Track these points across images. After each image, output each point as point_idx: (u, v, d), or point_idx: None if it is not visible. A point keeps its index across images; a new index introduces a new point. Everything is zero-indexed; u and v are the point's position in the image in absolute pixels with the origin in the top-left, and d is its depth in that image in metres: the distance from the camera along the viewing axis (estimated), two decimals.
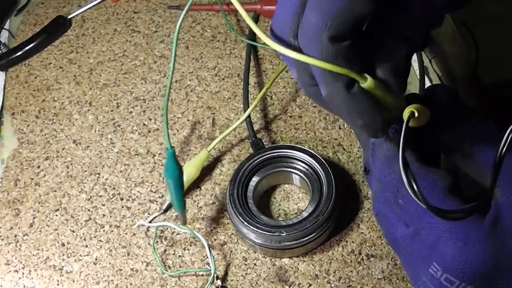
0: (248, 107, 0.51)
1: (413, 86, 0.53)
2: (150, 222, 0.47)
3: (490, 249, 0.32)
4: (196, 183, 0.49)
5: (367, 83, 0.30)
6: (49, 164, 0.52)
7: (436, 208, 0.30)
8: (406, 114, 0.32)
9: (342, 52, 0.28)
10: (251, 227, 0.43)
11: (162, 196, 0.49)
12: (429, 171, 0.35)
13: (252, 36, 0.59)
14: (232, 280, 0.44)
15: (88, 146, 0.53)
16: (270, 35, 0.31)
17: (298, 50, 0.30)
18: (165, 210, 0.47)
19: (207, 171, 0.50)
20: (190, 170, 0.48)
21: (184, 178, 0.46)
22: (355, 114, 0.31)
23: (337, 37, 0.28)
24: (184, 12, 0.32)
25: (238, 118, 0.53)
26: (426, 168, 0.35)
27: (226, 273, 0.44)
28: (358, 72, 0.29)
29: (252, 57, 0.57)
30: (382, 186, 0.38)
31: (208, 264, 0.43)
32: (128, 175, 0.51)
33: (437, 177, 0.35)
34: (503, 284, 0.33)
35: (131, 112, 0.55)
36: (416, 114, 0.32)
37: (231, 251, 0.45)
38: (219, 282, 0.43)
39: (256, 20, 0.61)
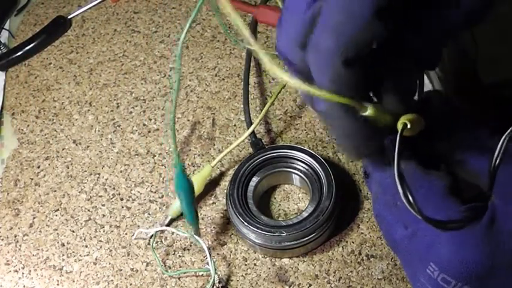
0: (248, 107, 0.51)
1: None
2: (149, 228, 0.47)
3: (485, 249, 0.32)
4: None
5: (368, 112, 0.30)
6: (49, 164, 0.52)
7: (432, 219, 0.30)
8: (399, 126, 0.32)
9: (353, 76, 0.28)
10: (251, 227, 0.43)
11: (162, 196, 0.49)
12: (428, 173, 0.35)
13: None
14: (232, 280, 0.44)
15: (88, 146, 0.53)
16: (277, 44, 0.31)
17: (306, 64, 0.30)
18: (167, 225, 0.47)
19: None
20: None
21: None
22: (347, 136, 0.32)
23: (350, 61, 0.27)
24: (191, 18, 0.32)
25: (239, 118, 0.53)
26: (425, 170, 0.36)
27: (226, 274, 0.44)
28: (360, 102, 0.29)
29: (252, 57, 0.57)
30: (382, 189, 0.38)
31: (208, 264, 0.43)
32: (128, 175, 0.51)
33: (436, 178, 0.35)
34: (499, 284, 0.33)
35: (131, 112, 0.55)
36: (408, 126, 0.32)
37: (231, 251, 0.45)
38: (219, 283, 0.43)
39: (255, 24, 0.61)
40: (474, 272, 0.32)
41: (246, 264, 0.44)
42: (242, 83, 0.55)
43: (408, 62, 0.30)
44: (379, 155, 0.37)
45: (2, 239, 0.48)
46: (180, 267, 0.45)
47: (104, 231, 0.47)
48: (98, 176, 0.51)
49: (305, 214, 0.43)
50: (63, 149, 0.53)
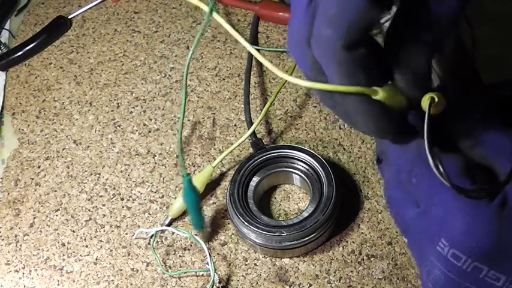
0: (249, 107, 0.51)
1: None
2: (149, 228, 0.47)
3: (496, 228, 0.33)
4: None
5: (379, 95, 0.31)
6: (49, 164, 0.52)
7: (458, 187, 0.31)
8: (426, 101, 0.33)
9: (358, 59, 0.29)
10: (251, 227, 0.43)
11: (163, 196, 0.49)
12: (442, 153, 0.36)
13: (253, 39, 0.59)
14: (232, 280, 0.44)
15: (88, 146, 0.53)
16: (288, 43, 0.32)
17: (315, 61, 0.31)
18: (168, 225, 0.47)
19: None
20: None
21: None
22: (367, 121, 0.32)
23: (351, 45, 0.29)
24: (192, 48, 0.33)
25: (239, 118, 0.53)
26: (440, 151, 0.36)
27: (226, 274, 0.44)
28: (369, 88, 0.30)
29: (253, 57, 0.57)
30: (396, 168, 0.39)
31: (208, 264, 0.43)
32: (128, 175, 0.51)
33: (450, 158, 0.36)
34: (509, 265, 0.33)
35: (131, 112, 0.55)
36: (436, 100, 0.32)
37: (232, 251, 0.45)
38: (219, 283, 0.43)
39: (257, 22, 0.61)
40: (485, 248, 0.33)
41: (246, 264, 0.44)
42: (243, 82, 0.55)
43: (416, 46, 0.31)
44: (400, 135, 0.38)
45: (3, 239, 0.48)
46: (181, 267, 0.45)
47: (104, 231, 0.48)
48: (98, 176, 0.51)
49: (305, 214, 0.43)
50: (63, 149, 0.53)
